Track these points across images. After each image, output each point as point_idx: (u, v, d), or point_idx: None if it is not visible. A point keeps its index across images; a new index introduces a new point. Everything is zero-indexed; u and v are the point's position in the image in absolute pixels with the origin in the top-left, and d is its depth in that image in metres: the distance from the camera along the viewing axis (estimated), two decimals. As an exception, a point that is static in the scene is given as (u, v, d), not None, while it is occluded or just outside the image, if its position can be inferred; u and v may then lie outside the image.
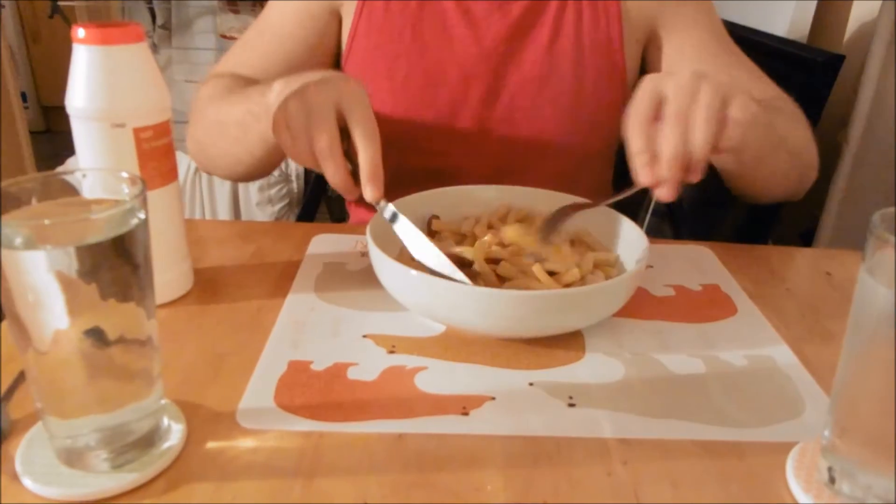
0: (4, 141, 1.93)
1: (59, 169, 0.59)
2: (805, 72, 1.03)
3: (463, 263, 0.57)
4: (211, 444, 0.45)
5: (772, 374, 0.55)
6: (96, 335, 0.39)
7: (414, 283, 0.54)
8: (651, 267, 0.71)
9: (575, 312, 0.55)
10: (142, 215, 0.40)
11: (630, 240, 0.64)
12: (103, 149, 0.54)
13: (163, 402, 0.45)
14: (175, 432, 0.45)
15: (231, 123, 0.72)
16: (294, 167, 2.20)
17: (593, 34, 0.83)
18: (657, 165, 0.55)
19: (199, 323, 0.58)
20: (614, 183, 0.97)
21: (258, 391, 0.50)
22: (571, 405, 0.50)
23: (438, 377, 0.52)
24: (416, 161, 0.85)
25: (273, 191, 2.19)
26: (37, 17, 3.28)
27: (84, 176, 0.42)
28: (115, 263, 0.39)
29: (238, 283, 0.65)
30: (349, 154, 0.59)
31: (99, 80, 0.53)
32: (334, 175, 0.58)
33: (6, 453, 0.43)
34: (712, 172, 0.76)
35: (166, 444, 0.44)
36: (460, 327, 0.57)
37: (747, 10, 1.55)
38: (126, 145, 0.54)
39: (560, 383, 0.52)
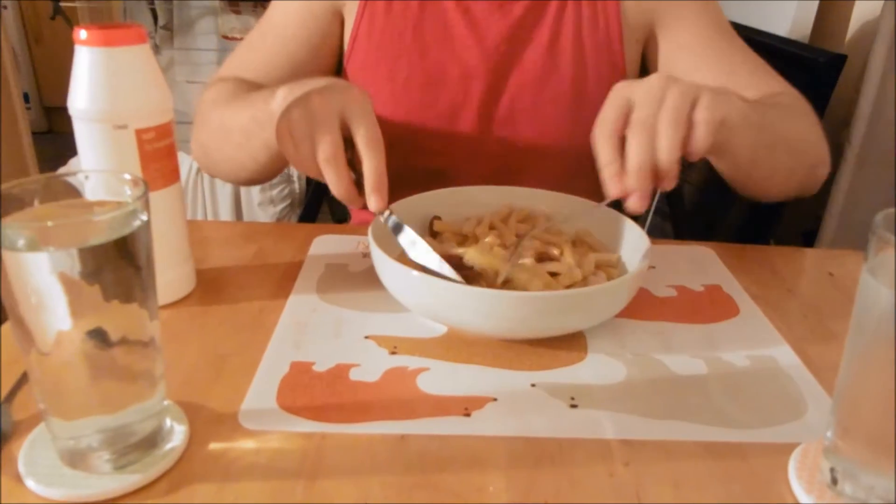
0: (6, 142, 1.93)
1: (62, 170, 0.59)
2: (807, 72, 1.03)
3: (464, 268, 0.57)
4: (213, 446, 0.45)
5: (774, 375, 0.55)
6: (99, 336, 0.39)
7: (416, 284, 0.54)
8: (653, 267, 0.71)
9: (577, 313, 0.55)
10: (144, 217, 0.40)
11: (632, 240, 0.64)
12: (105, 150, 0.54)
13: (165, 403, 0.45)
14: (177, 433, 0.45)
15: (235, 130, 0.72)
16: (296, 167, 2.20)
17: (593, 34, 0.83)
18: (625, 176, 0.54)
19: (201, 324, 0.59)
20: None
21: (260, 392, 0.50)
22: (573, 406, 0.50)
23: (440, 378, 0.52)
24: (417, 161, 0.85)
25: (275, 191, 2.19)
26: (39, 18, 3.30)
27: (86, 177, 0.42)
28: (118, 265, 0.39)
29: (240, 283, 0.65)
30: (353, 163, 0.58)
31: (101, 82, 0.53)
32: (337, 184, 0.57)
33: (9, 454, 0.43)
34: (713, 173, 0.76)
35: (169, 445, 0.44)
36: (462, 328, 0.57)
37: (749, 10, 1.55)
38: (128, 146, 0.55)
39: (562, 384, 0.52)
